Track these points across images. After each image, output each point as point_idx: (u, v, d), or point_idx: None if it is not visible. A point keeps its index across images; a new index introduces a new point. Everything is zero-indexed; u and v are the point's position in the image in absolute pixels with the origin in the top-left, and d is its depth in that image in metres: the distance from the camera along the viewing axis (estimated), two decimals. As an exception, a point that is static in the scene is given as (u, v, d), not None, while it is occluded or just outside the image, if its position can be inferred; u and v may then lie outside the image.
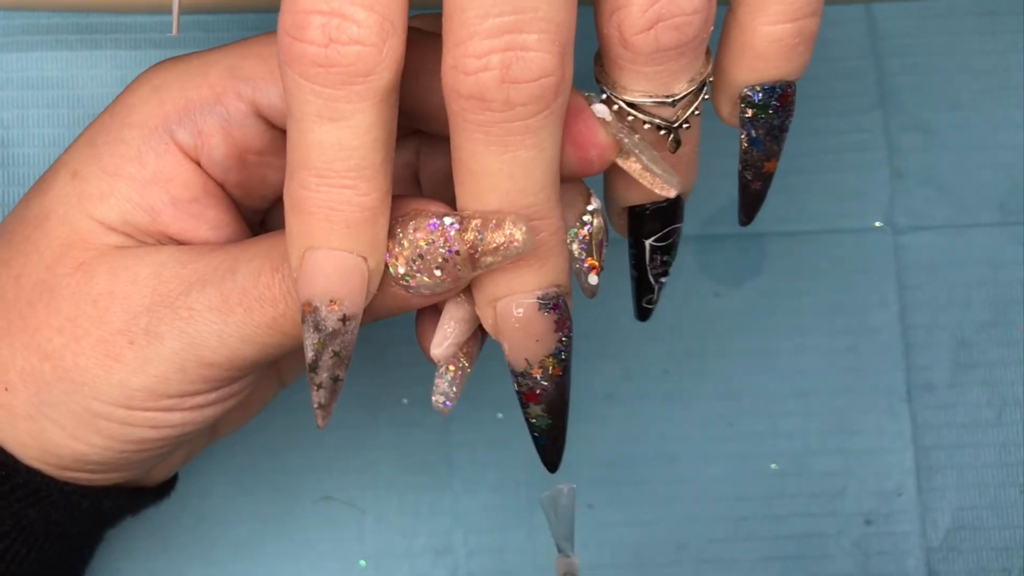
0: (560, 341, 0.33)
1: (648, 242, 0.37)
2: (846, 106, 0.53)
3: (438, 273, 0.32)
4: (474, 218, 0.31)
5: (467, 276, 0.32)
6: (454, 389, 0.36)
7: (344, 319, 0.32)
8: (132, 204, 0.36)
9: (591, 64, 0.34)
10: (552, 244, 0.32)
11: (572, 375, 0.34)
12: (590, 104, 0.33)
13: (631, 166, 0.34)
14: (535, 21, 0.29)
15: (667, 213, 0.36)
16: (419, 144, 0.40)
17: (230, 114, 0.36)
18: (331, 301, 0.32)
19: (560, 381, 0.34)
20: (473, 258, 0.32)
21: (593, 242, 0.35)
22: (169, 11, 0.52)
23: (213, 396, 0.36)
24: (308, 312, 0.32)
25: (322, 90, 0.30)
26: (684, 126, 0.34)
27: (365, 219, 0.31)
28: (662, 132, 0.34)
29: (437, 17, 0.30)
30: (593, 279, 0.36)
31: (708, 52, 0.33)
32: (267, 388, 0.43)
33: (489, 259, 0.31)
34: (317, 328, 0.32)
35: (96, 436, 0.36)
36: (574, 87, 0.32)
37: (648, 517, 0.52)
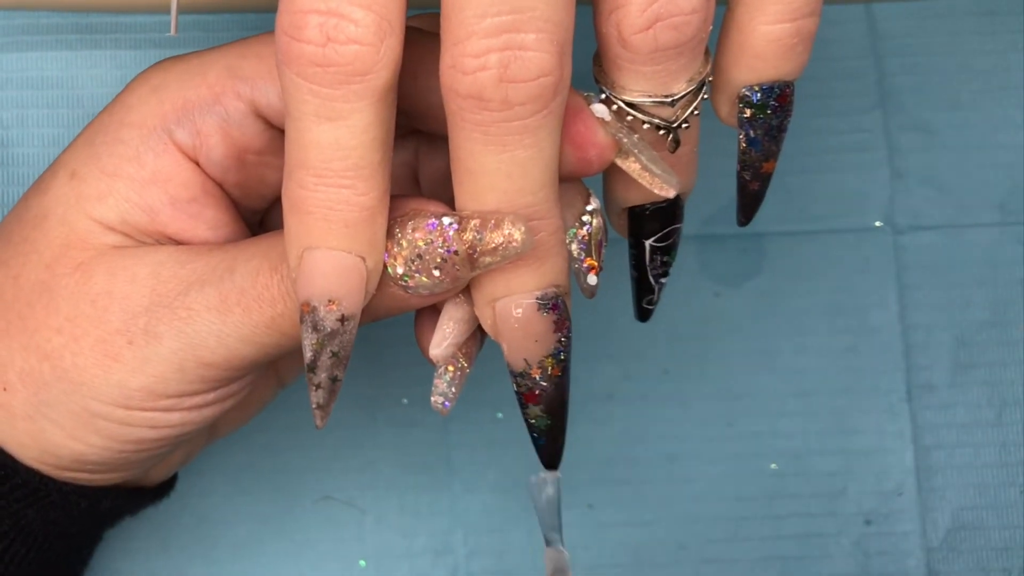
0: (559, 341, 0.33)
1: (648, 242, 0.37)
2: (846, 106, 0.53)
3: (437, 273, 0.32)
4: (473, 218, 0.31)
5: (466, 276, 0.32)
6: (453, 390, 0.36)
7: (342, 319, 0.32)
8: (130, 204, 0.36)
9: (590, 64, 0.34)
10: (551, 244, 0.32)
11: (571, 375, 0.34)
12: (589, 104, 0.33)
13: (630, 166, 0.34)
14: (533, 20, 0.29)
15: (667, 213, 0.36)
16: (417, 144, 0.40)
17: (229, 114, 0.36)
18: (329, 301, 0.32)
19: (559, 381, 0.34)
20: (472, 258, 0.32)
21: (592, 242, 0.35)
22: (169, 11, 0.52)
23: (212, 396, 0.36)
24: (306, 312, 0.32)
25: (320, 89, 0.30)
26: (683, 126, 0.34)
27: (363, 219, 0.31)
28: (661, 132, 0.34)
29: (435, 17, 0.30)
30: (592, 279, 0.36)
31: (707, 52, 0.33)
32: (266, 388, 0.43)
33: (488, 259, 0.31)
34: (315, 328, 0.32)
35: (95, 436, 0.36)
36: (573, 87, 0.32)
37: (648, 517, 0.52)
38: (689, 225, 0.40)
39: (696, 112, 0.34)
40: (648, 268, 0.37)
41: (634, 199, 0.36)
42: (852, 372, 0.53)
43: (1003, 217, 0.53)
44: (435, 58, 0.30)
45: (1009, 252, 0.53)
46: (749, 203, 0.37)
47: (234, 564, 0.51)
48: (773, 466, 0.52)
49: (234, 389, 0.37)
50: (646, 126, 0.33)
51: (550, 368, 0.34)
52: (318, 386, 0.33)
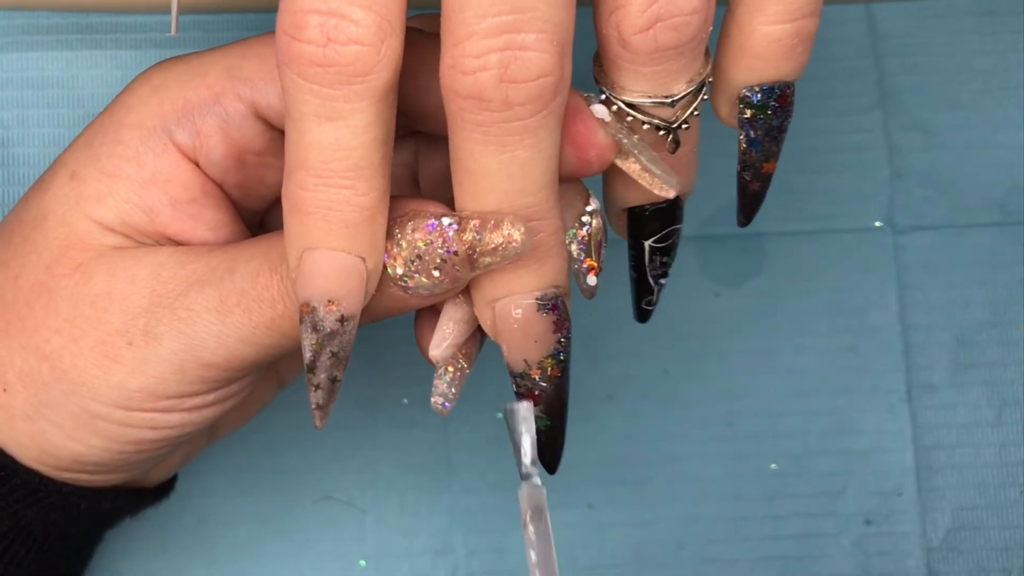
0: (559, 342, 0.33)
1: (647, 243, 0.37)
2: (846, 106, 0.53)
3: (436, 274, 0.32)
4: (472, 218, 0.31)
5: (465, 277, 0.32)
6: (453, 390, 0.36)
7: (342, 320, 0.32)
8: (130, 205, 0.36)
9: (590, 64, 0.34)
10: (551, 245, 0.32)
11: (571, 375, 0.34)
12: (589, 104, 0.33)
13: (630, 167, 0.34)
14: (533, 21, 0.29)
15: (666, 214, 0.36)
16: (417, 144, 0.40)
17: (229, 115, 0.36)
18: (329, 301, 0.32)
19: (559, 382, 0.34)
20: (471, 259, 0.31)
21: (592, 243, 0.35)
22: (169, 11, 0.52)
23: (212, 397, 0.36)
24: (306, 312, 0.32)
25: (320, 90, 0.30)
26: (683, 126, 0.34)
27: (363, 219, 0.31)
28: (661, 133, 0.34)
29: (436, 17, 0.30)
30: (592, 280, 0.36)
31: (707, 52, 0.33)
32: (266, 388, 0.43)
33: (487, 260, 0.31)
34: (315, 328, 0.32)
35: (94, 437, 0.36)
36: (573, 87, 0.32)
37: (648, 517, 0.52)
38: (689, 225, 0.40)
39: (696, 113, 0.34)
40: (647, 269, 0.37)
41: (634, 200, 0.36)
42: (852, 372, 0.53)
43: (1003, 217, 0.53)
44: (435, 58, 0.30)
45: (1009, 252, 0.53)
46: (749, 203, 0.37)
47: (234, 565, 0.51)
48: (773, 466, 0.52)
49: (234, 390, 0.37)
50: (646, 127, 0.33)
51: (550, 369, 0.34)
52: (317, 387, 0.33)
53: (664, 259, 0.37)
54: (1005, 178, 0.53)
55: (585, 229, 0.35)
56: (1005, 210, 0.53)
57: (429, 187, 0.40)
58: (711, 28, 0.32)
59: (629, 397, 0.52)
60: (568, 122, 0.32)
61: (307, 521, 0.51)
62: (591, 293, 0.36)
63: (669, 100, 0.33)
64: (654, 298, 0.38)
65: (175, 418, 0.36)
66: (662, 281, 0.37)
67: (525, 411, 0.33)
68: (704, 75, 0.33)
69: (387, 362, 0.52)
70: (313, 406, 0.34)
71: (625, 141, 0.33)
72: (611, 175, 0.36)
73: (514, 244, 0.31)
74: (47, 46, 0.51)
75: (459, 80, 0.29)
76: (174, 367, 0.35)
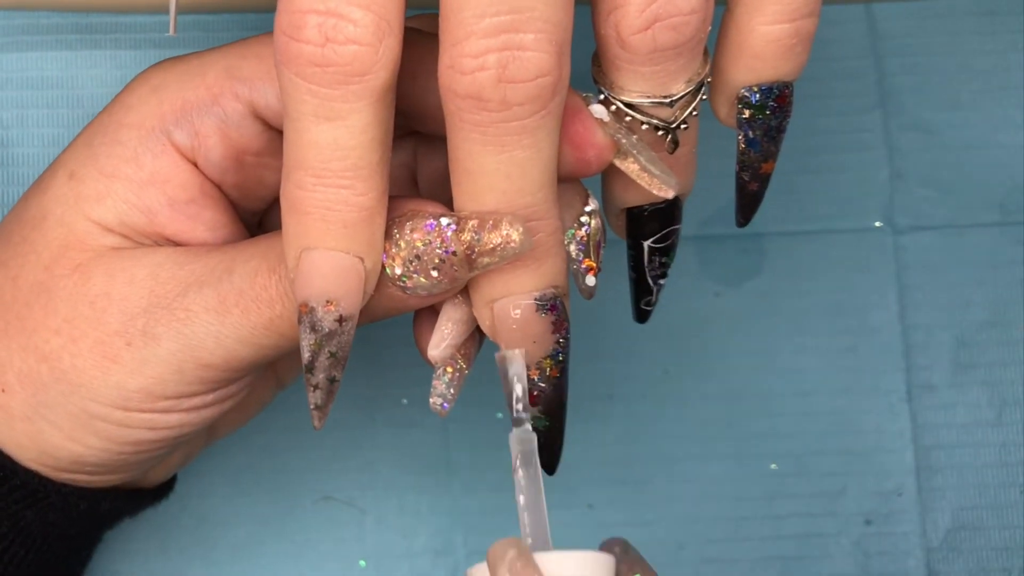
0: (558, 342, 0.33)
1: (646, 243, 0.37)
2: (846, 106, 0.53)
3: (435, 274, 0.32)
4: (471, 219, 0.31)
5: (464, 277, 0.32)
6: (452, 391, 0.36)
7: (340, 320, 0.32)
8: (129, 205, 0.36)
9: (589, 64, 0.34)
10: (549, 245, 0.32)
11: (571, 375, 0.34)
12: (588, 104, 0.33)
13: (629, 167, 0.34)
14: (532, 21, 0.29)
15: (665, 214, 0.36)
16: (416, 144, 0.40)
17: (227, 115, 0.36)
18: (328, 302, 0.32)
19: (558, 382, 0.34)
20: (470, 259, 0.31)
21: (591, 243, 0.35)
22: (168, 11, 0.51)
23: (211, 397, 0.36)
24: (305, 313, 0.32)
25: (318, 90, 0.30)
26: (682, 127, 0.34)
27: (362, 219, 0.31)
28: (660, 133, 0.34)
29: (434, 17, 0.30)
30: (591, 280, 0.36)
31: (706, 53, 0.33)
32: (265, 389, 0.43)
33: (486, 260, 0.31)
34: (313, 329, 0.32)
35: (93, 437, 0.36)
36: (572, 87, 0.32)
37: (648, 517, 0.52)
38: (688, 225, 0.40)
39: (695, 113, 0.34)
40: (646, 269, 0.37)
41: (633, 200, 0.36)
42: (852, 372, 0.53)
43: (1003, 217, 0.53)
44: (434, 58, 0.30)
45: (1009, 252, 0.53)
46: (748, 204, 0.37)
47: (234, 565, 0.51)
48: (773, 466, 0.52)
49: (233, 390, 0.37)
50: (645, 127, 0.33)
51: (548, 369, 0.34)
52: (316, 387, 0.33)
53: (663, 259, 0.37)
54: (1005, 178, 0.53)
55: (584, 229, 0.35)
56: (1005, 210, 0.53)
57: (428, 187, 0.40)
58: (710, 28, 0.32)
59: (629, 397, 0.52)
60: (567, 122, 0.32)
61: (307, 521, 0.51)
62: (590, 293, 0.36)
63: (668, 100, 0.33)
64: (653, 298, 0.38)
65: (174, 419, 0.36)
66: (661, 281, 0.37)
67: (517, 358, 0.33)
68: (703, 75, 0.33)
69: (386, 362, 0.52)
70: (312, 406, 0.34)
71: (624, 141, 0.33)
72: (610, 175, 0.36)
73: (513, 244, 0.31)
74: (47, 46, 0.51)
75: (457, 80, 0.29)
76: (172, 368, 0.35)
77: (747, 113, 0.34)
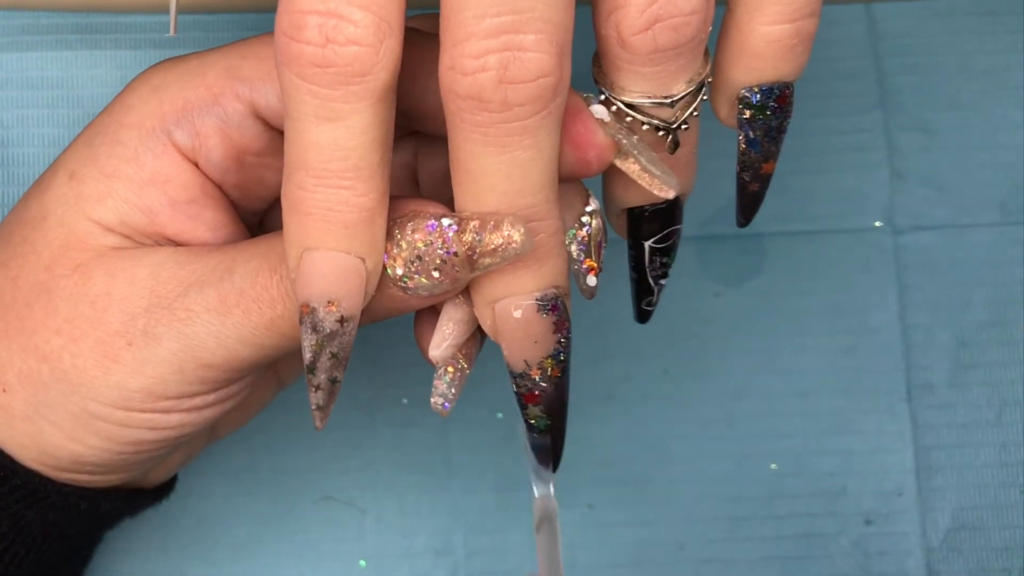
0: (559, 342, 0.33)
1: (647, 243, 0.37)
2: (846, 106, 0.53)
3: (436, 274, 0.32)
4: (472, 219, 0.31)
5: (465, 277, 0.32)
6: (453, 390, 0.36)
7: (342, 320, 0.32)
8: (130, 205, 0.36)
9: (589, 65, 0.34)
10: (550, 245, 0.32)
11: (571, 375, 0.34)
12: (588, 105, 0.33)
13: (630, 167, 0.34)
14: (532, 21, 0.29)
15: (666, 214, 0.36)
16: (417, 145, 0.40)
17: (228, 115, 0.36)
18: (329, 302, 0.32)
19: (559, 382, 0.34)
20: (471, 259, 0.31)
21: (592, 243, 0.35)
22: (168, 11, 0.52)
23: (211, 397, 0.36)
24: (306, 313, 0.32)
25: (319, 90, 0.30)
26: (683, 127, 0.34)
27: (363, 220, 0.31)
28: (660, 133, 0.34)
29: (435, 17, 0.30)
30: (592, 280, 0.36)
31: (707, 53, 0.33)
32: (266, 389, 0.43)
33: (487, 260, 0.31)
34: (315, 329, 0.32)
35: (94, 437, 0.36)
36: (572, 88, 0.32)
37: (648, 517, 0.52)
38: (689, 226, 0.40)
39: (695, 113, 0.34)
40: (647, 269, 0.37)
41: (633, 200, 0.36)
42: (852, 372, 0.53)
43: (1003, 217, 0.53)
44: (434, 59, 0.30)
45: (1009, 252, 0.53)
46: (749, 204, 0.37)
47: (234, 565, 0.51)
48: (773, 466, 0.52)
49: (234, 390, 0.37)
50: (645, 127, 0.33)
51: (550, 369, 0.34)
52: (318, 387, 0.33)
53: (664, 259, 0.37)
54: (1005, 178, 0.53)
55: (585, 230, 0.35)
56: (1005, 210, 0.53)
57: (429, 187, 0.40)
58: (710, 28, 0.32)
59: (629, 397, 0.52)
60: (567, 123, 0.32)
61: (307, 521, 0.51)
62: (591, 293, 0.36)
63: (668, 100, 0.33)
64: (654, 298, 0.38)
65: (174, 419, 0.36)
66: (662, 282, 0.37)
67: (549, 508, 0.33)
68: (703, 75, 0.33)
69: (386, 362, 0.52)
70: (313, 407, 0.34)
71: (624, 141, 0.33)
72: (610, 175, 0.36)
73: (514, 245, 0.31)
74: (47, 46, 0.51)
75: (458, 81, 0.29)
76: (173, 368, 0.35)
77: (748, 113, 0.34)
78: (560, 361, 0.34)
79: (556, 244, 0.32)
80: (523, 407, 0.35)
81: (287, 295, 0.34)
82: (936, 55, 0.54)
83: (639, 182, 0.34)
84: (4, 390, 0.36)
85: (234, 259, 0.35)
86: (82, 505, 0.39)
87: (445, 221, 0.32)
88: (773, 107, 0.34)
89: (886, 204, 0.53)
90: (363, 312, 0.32)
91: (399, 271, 0.32)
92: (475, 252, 0.31)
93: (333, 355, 0.32)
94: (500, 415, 0.52)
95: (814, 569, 0.52)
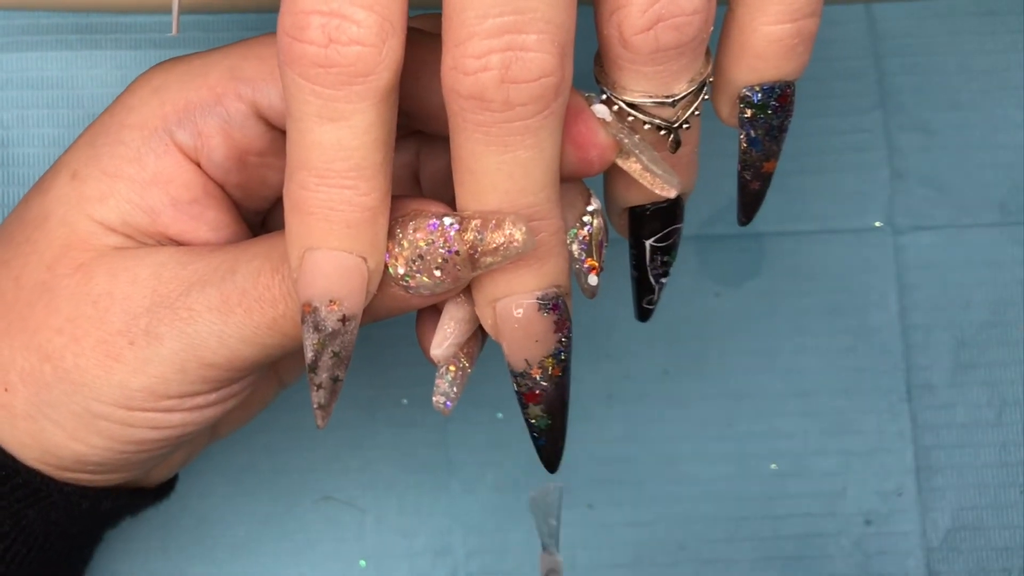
0: (560, 342, 0.33)
1: (648, 242, 0.37)
2: (846, 106, 0.53)
3: (438, 273, 0.32)
4: (474, 218, 0.31)
5: (467, 276, 0.32)
6: (455, 389, 0.36)
7: (344, 319, 0.32)
8: (132, 205, 0.36)
9: (591, 64, 0.34)
10: (552, 244, 0.32)
11: (572, 375, 0.34)
12: (590, 104, 0.33)
13: (631, 166, 0.34)
14: (534, 21, 0.29)
15: (667, 213, 0.36)
16: (419, 144, 0.40)
17: (230, 115, 0.36)
18: (331, 301, 0.32)
19: (560, 381, 0.34)
20: (473, 258, 0.32)
21: (593, 243, 0.35)
22: (169, 11, 0.52)
23: (213, 397, 0.36)
24: (308, 312, 0.32)
25: (322, 90, 0.30)
26: (684, 126, 0.34)
27: (365, 219, 0.31)
28: (662, 132, 0.34)
29: (437, 17, 0.30)
30: (593, 280, 0.36)
31: (708, 52, 0.33)
32: (267, 388, 0.43)
33: (489, 259, 0.31)
34: (317, 328, 0.32)
35: (96, 437, 0.36)
36: (574, 87, 0.32)
37: (648, 517, 0.52)
38: (689, 225, 0.40)
39: (697, 112, 0.34)
40: (648, 268, 0.37)
41: (635, 199, 0.36)
42: (852, 372, 0.53)
43: (1003, 217, 0.53)
44: (437, 59, 0.30)
45: (1009, 252, 0.53)
46: (750, 203, 0.37)
47: (234, 564, 0.51)
48: (773, 466, 0.52)
49: (235, 390, 0.37)
50: (647, 126, 0.33)
51: (551, 368, 0.34)
52: (319, 386, 0.33)
53: (665, 258, 0.37)
54: (1005, 178, 0.53)
55: (586, 229, 0.35)
56: (1005, 210, 0.53)
57: (430, 187, 0.40)
58: (712, 28, 0.32)
59: (629, 397, 0.52)
60: (569, 122, 0.32)
61: (307, 521, 0.51)
62: (592, 293, 0.36)
63: (670, 100, 0.33)
64: (655, 297, 0.38)
65: (176, 418, 0.36)
66: (663, 280, 0.38)
67: (552, 495, 0.33)
68: (705, 75, 0.33)
69: (387, 362, 0.52)
70: (315, 406, 0.34)
71: (626, 141, 0.33)
72: (612, 175, 0.36)
73: (515, 244, 0.31)
74: (47, 46, 0.51)
75: (460, 80, 0.29)
76: (175, 367, 0.35)
77: (749, 112, 0.34)
78: (561, 360, 0.34)
79: (557, 243, 0.32)
80: (524, 406, 0.35)
81: (289, 294, 0.34)
82: (936, 55, 0.54)
83: (641, 181, 0.34)
84: (6, 389, 0.36)
85: (236, 259, 0.35)
86: (84, 504, 0.39)
87: (447, 220, 0.32)
88: (774, 106, 0.34)
89: (886, 204, 0.53)
90: (365, 311, 0.32)
91: (401, 270, 0.32)
92: (477, 251, 0.31)
93: (335, 354, 0.32)
94: (500, 415, 0.52)
95: (814, 569, 0.52)
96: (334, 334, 0.32)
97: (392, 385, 0.52)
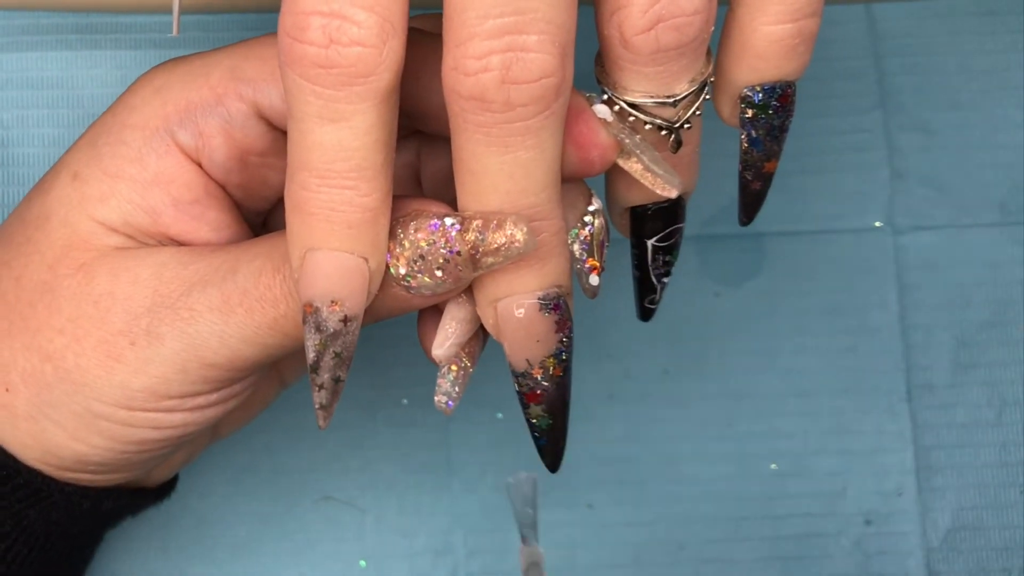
0: (561, 342, 0.33)
1: (650, 242, 0.37)
2: (846, 106, 0.53)
3: (439, 274, 0.32)
4: (475, 219, 0.31)
5: (468, 277, 0.32)
6: (456, 389, 0.36)
7: (345, 320, 0.32)
8: (133, 205, 0.36)
9: (592, 65, 0.34)
10: (553, 245, 0.32)
11: (572, 375, 0.35)
12: (591, 105, 0.33)
13: (632, 166, 0.34)
14: (535, 22, 0.29)
15: (669, 213, 0.36)
16: (420, 144, 0.40)
17: (231, 115, 0.36)
18: (332, 302, 0.32)
19: (561, 381, 0.34)
20: (474, 259, 0.32)
21: (594, 243, 0.35)
22: (169, 11, 0.52)
23: (214, 397, 0.36)
24: (309, 313, 0.32)
25: (323, 91, 0.30)
26: (685, 126, 0.34)
27: (366, 220, 0.31)
28: (663, 132, 0.34)
29: (438, 17, 0.30)
30: (594, 280, 0.36)
31: (709, 52, 0.33)
32: (268, 388, 0.43)
33: (490, 260, 0.31)
34: (318, 329, 0.32)
35: (97, 437, 0.36)
36: (575, 88, 0.32)
37: (648, 517, 0.52)
38: (690, 225, 0.40)
39: (698, 112, 0.34)
40: (650, 268, 0.37)
41: (636, 199, 0.36)
42: (852, 372, 0.53)
43: (1003, 217, 0.53)
44: (437, 59, 0.30)
45: (1009, 252, 0.53)
46: (751, 203, 0.37)
47: (234, 564, 0.51)
48: (773, 466, 0.52)
49: (237, 390, 0.37)
50: (648, 127, 0.33)
51: (552, 368, 0.34)
52: (321, 387, 0.33)
53: (667, 258, 0.37)
54: (1005, 178, 0.53)
55: (587, 229, 0.35)
56: (1005, 210, 0.53)
57: (431, 187, 0.40)
58: (713, 28, 0.32)
59: (629, 397, 0.52)
60: (570, 122, 0.32)
61: (307, 521, 0.51)
62: (593, 293, 0.36)
63: (671, 100, 0.33)
64: (657, 297, 0.38)
65: (177, 418, 0.36)
66: (665, 280, 0.38)
67: (527, 484, 0.33)
68: (706, 75, 0.33)
69: (387, 362, 0.52)
70: (317, 406, 0.34)
71: (627, 141, 0.33)
72: (613, 175, 0.36)
73: (517, 244, 0.31)
74: (47, 46, 0.51)
75: (461, 81, 0.29)
76: (176, 367, 0.35)
77: (750, 113, 0.34)
78: (562, 360, 0.34)
79: (559, 243, 0.32)
80: (525, 406, 0.35)
81: (290, 295, 0.34)
82: (936, 55, 0.54)
83: (642, 181, 0.34)
84: (7, 389, 0.36)
85: (237, 259, 0.35)
86: (85, 504, 0.39)
87: (448, 220, 0.32)
88: (775, 106, 0.34)
89: (886, 204, 0.53)
90: (366, 311, 0.32)
91: (402, 270, 0.32)
92: (478, 251, 0.31)
93: (336, 354, 0.32)
94: (500, 415, 0.52)
95: (814, 569, 0.52)
96: (336, 335, 0.32)
97: (393, 385, 0.52)
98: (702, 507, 0.52)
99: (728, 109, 0.35)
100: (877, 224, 0.53)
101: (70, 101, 0.51)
